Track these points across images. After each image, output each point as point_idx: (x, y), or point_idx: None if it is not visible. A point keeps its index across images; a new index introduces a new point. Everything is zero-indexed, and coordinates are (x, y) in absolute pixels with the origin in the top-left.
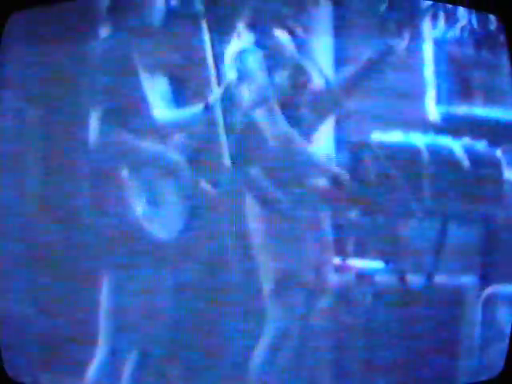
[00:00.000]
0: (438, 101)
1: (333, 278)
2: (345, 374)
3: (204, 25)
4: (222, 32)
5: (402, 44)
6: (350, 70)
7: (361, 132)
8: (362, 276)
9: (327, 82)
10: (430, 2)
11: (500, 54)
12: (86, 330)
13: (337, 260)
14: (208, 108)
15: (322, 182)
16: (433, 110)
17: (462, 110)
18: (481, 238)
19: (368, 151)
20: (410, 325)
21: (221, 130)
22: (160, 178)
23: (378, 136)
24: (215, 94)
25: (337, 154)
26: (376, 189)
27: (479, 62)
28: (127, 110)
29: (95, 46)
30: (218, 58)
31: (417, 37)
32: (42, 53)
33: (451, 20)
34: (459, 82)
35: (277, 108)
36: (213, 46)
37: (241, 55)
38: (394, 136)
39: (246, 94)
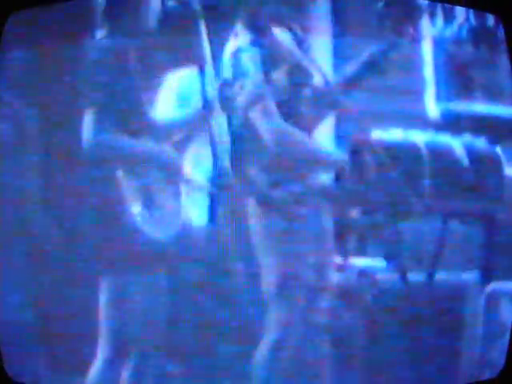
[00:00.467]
0: (438, 98)
1: (334, 277)
2: (347, 373)
3: (202, 25)
4: (219, 32)
5: (400, 42)
6: (349, 67)
7: (361, 130)
8: (364, 274)
9: (326, 80)
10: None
11: (498, 50)
12: (86, 330)
13: (338, 258)
14: (206, 108)
15: (322, 179)
16: (432, 108)
17: (461, 107)
18: (482, 235)
19: (368, 149)
20: (412, 322)
21: (219, 129)
22: (157, 178)
23: (378, 134)
24: (212, 93)
25: (337, 151)
26: (376, 186)
27: (478, 59)
28: (124, 111)
29: (92, 47)
30: (216, 58)
31: (416, 35)
32: (41, 53)
33: (449, 17)
34: (458, 79)
35: (274, 106)
36: (211, 45)
37: (237, 54)
38: (394, 133)
39: (243, 92)
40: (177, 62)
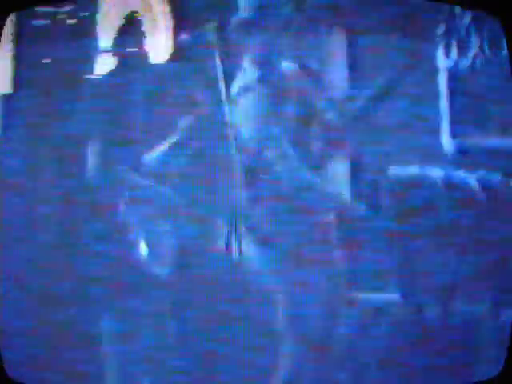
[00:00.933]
0: (453, 133)
1: (350, 312)
2: None
3: (217, 59)
4: (230, 67)
5: (416, 74)
6: (362, 99)
7: (376, 166)
8: (379, 308)
9: (339, 114)
10: (443, 31)
11: None
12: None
13: (354, 293)
14: (220, 146)
15: (332, 216)
16: (448, 143)
17: (476, 141)
18: (496, 266)
19: (384, 185)
20: (427, 355)
21: (231, 169)
22: (157, 216)
23: (395, 170)
24: (226, 133)
25: (353, 187)
26: (392, 222)
27: (492, 91)
28: (126, 144)
29: (100, 80)
30: (227, 94)
31: (431, 67)
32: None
33: (464, 49)
34: (473, 112)
35: (286, 144)
36: (224, 80)
37: (244, 92)
38: (410, 170)
39: (250, 132)
40: (189, 97)
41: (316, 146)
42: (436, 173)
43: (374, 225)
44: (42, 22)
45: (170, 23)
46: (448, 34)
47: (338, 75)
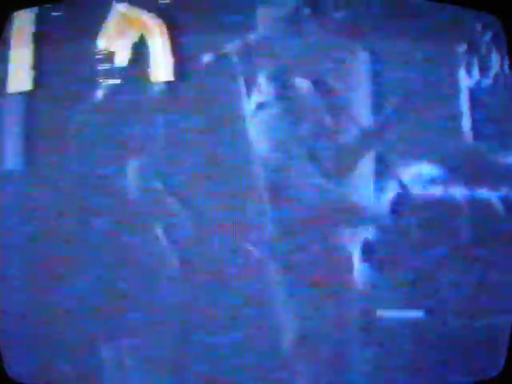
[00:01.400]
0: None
1: (375, 328)
2: None
3: (237, 76)
4: (249, 84)
5: (438, 93)
6: (384, 118)
7: (401, 184)
8: (404, 324)
9: (360, 132)
10: (464, 49)
11: None
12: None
13: (382, 312)
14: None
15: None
16: (469, 162)
17: (498, 159)
18: None
19: (408, 202)
20: (452, 368)
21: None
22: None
23: (418, 188)
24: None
25: (376, 204)
26: (415, 239)
27: None
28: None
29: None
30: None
31: (453, 86)
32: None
33: (485, 67)
34: (495, 131)
35: (303, 161)
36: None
37: (259, 109)
38: (434, 188)
39: (267, 149)
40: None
41: (337, 163)
42: (458, 190)
43: (397, 241)
44: (63, 19)
45: (170, 44)
46: (469, 52)
47: (358, 93)
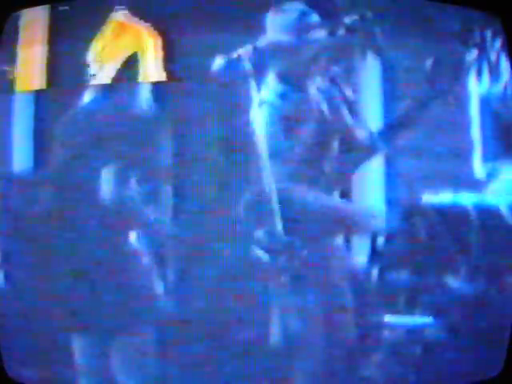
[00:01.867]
0: (484, 159)
1: (384, 335)
2: None
3: (252, 83)
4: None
5: (448, 99)
6: (393, 124)
7: (411, 192)
8: (412, 331)
9: (370, 139)
10: (475, 56)
11: None
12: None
13: (388, 317)
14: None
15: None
16: (479, 169)
17: (507, 167)
18: None
19: (419, 211)
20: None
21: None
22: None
23: (428, 196)
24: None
25: (388, 213)
26: (426, 248)
27: None
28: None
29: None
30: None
31: (463, 92)
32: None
33: (495, 75)
34: (504, 138)
35: (309, 167)
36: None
37: (263, 106)
38: (443, 196)
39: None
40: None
41: (345, 172)
42: (467, 199)
43: (405, 248)
44: (78, 15)
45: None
46: (480, 59)
47: (368, 100)
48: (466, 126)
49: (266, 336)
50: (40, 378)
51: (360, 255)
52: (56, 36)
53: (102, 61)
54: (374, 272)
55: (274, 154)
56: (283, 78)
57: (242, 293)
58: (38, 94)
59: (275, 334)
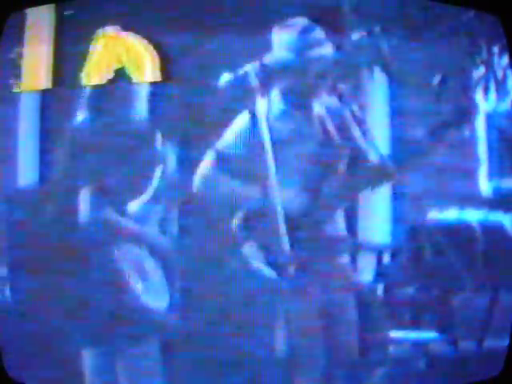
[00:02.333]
0: (490, 176)
1: (390, 350)
2: None
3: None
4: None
5: (455, 117)
6: (401, 143)
7: (417, 210)
8: (417, 345)
9: (378, 158)
10: (482, 73)
11: None
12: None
13: (394, 333)
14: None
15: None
16: (485, 186)
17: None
18: None
19: (424, 229)
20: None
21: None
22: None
23: (434, 214)
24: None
25: (394, 231)
26: (431, 265)
27: None
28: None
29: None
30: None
31: (471, 111)
32: None
33: (501, 92)
34: (510, 155)
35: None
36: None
37: (268, 122)
38: (449, 213)
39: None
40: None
41: (351, 190)
42: (473, 216)
43: (415, 267)
44: (83, 15)
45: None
46: (487, 76)
47: (376, 118)
48: (472, 143)
49: (271, 349)
50: (40, 378)
51: (366, 273)
52: (62, 35)
53: (94, 74)
54: (380, 288)
55: (279, 169)
56: (288, 94)
57: (247, 307)
58: (44, 95)
59: (279, 347)
